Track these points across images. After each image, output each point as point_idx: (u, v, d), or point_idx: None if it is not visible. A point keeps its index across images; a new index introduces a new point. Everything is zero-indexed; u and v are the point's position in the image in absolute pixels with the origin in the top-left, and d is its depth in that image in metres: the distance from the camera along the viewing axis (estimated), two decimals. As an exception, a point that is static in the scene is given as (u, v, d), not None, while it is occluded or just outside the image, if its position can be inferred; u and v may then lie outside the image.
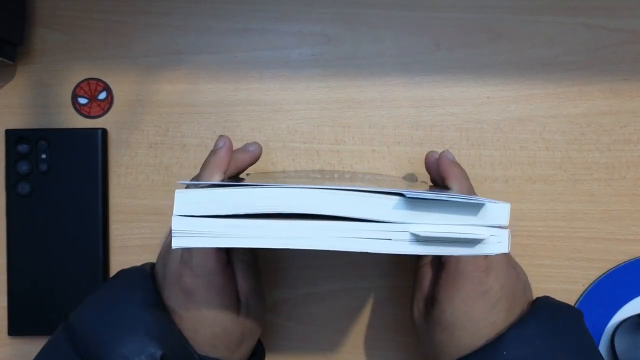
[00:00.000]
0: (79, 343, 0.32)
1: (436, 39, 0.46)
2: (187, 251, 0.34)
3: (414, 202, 0.27)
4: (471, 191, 0.36)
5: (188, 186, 0.28)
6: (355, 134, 0.46)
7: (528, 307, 0.36)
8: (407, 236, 0.27)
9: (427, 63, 0.46)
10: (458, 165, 0.37)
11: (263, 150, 0.42)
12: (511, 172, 0.46)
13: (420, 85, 0.46)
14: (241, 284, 0.36)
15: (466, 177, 0.37)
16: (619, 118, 0.46)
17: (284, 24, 0.47)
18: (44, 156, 0.46)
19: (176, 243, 0.27)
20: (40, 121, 0.47)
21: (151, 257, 0.40)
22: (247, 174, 0.43)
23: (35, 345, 0.35)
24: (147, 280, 0.36)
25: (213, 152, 0.36)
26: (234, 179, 0.38)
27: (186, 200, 0.27)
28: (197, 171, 0.37)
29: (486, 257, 0.34)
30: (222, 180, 0.34)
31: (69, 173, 0.46)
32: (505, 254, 0.36)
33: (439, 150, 0.39)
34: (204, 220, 0.27)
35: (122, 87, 0.47)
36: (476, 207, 0.27)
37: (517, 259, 0.38)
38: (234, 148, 0.38)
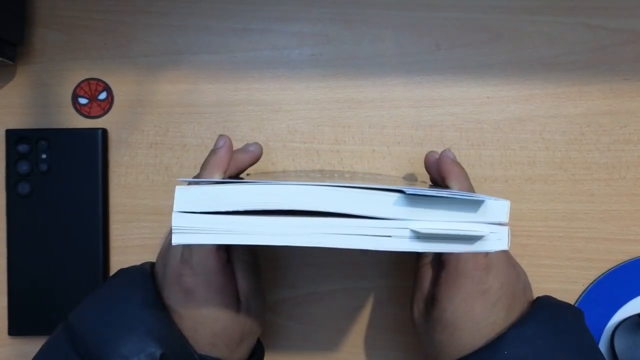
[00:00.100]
0: (78, 343, 0.32)
1: (436, 39, 0.46)
2: (188, 250, 0.34)
3: (414, 199, 0.27)
4: (472, 191, 0.36)
5: (189, 183, 0.28)
6: (355, 134, 0.46)
7: (528, 307, 0.36)
8: (407, 233, 0.27)
9: (427, 63, 0.46)
10: (458, 164, 0.37)
11: (263, 150, 0.42)
12: (511, 172, 0.46)
13: (420, 85, 0.46)
14: (241, 284, 0.36)
15: (466, 177, 0.37)
16: (619, 118, 0.46)
17: (284, 24, 0.47)
18: (44, 156, 0.46)
19: (176, 240, 0.27)
20: (40, 121, 0.47)
21: (151, 257, 0.40)
22: (247, 174, 0.43)
23: (35, 345, 0.35)
24: (146, 279, 0.36)
25: (213, 152, 0.36)
26: (234, 179, 0.38)
27: (186, 196, 0.27)
28: (197, 171, 0.37)
29: (486, 255, 0.34)
30: (223, 179, 0.34)
31: (69, 173, 0.46)
32: (505, 253, 0.36)
33: (439, 151, 0.39)
34: (204, 217, 0.27)
35: (122, 87, 0.47)
36: (476, 204, 0.27)
37: (517, 259, 0.38)
38: (234, 148, 0.38)
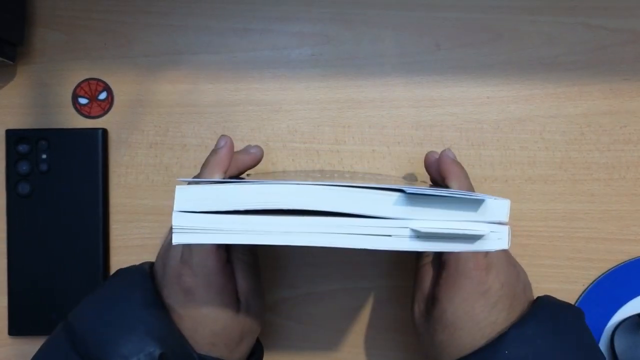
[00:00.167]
0: (78, 342, 0.32)
1: (436, 39, 0.46)
2: (187, 250, 0.34)
3: (414, 198, 0.27)
4: (471, 190, 0.36)
5: (189, 183, 0.28)
6: (355, 134, 0.46)
7: (528, 307, 0.36)
8: (407, 232, 0.27)
9: (427, 63, 0.46)
10: (459, 164, 0.37)
11: (264, 150, 0.42)
12: (511, 172, 0.46)
13: (420, 85, 0.46)
14: (241, 284, 0.36)
15: (466, 176, 0.37)
16: (619, 118, 0.46)
17: (284, 24, 0.47)
18: (44, 156, 0.46)
19: (176, 239, 0.27)
20: (40, 121, 0.47)
21: (151, 257, 0.40)
22: (247, 174, 0.43)
23: (35, 345, 0.35)
24: (146, 279, 0.36)
25: (214, 152, 0.36)
26: (234, 179, 0.38)
27: (187, 195, 0.27)
28: (198, 171, 0.37)
29: (486, 255, 0.34)
30: (223, 179, 0.34)
31: (69, 173, 0.46)
32: (505, 253, 0.36)
33: (439, 151, 0.39)
34: (205, 216, 0.27)
35: (122, 87, 0.47)
36: (476, 203, 0.27)
37: (517, 259, 0.38)
38: (234, 148, 0.38)
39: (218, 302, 0.35)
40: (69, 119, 0.47)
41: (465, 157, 0.46)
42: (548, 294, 0.38)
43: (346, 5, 0.46)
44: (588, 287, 0.45)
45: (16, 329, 0.46)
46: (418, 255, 0.38)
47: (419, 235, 0.27)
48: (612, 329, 0.44)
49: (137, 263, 0.39)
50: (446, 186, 0.36)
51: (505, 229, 0.27)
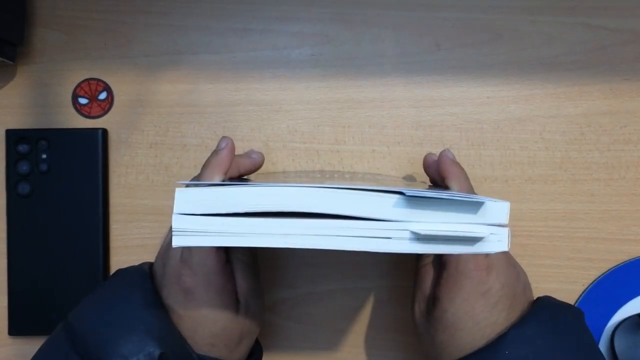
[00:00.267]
0: (78, 342, 0.32)
1: (436, 39, 0.46)
2: (187, 250, 0.34)
3: (414, 201, 0.27)
4: (471, 191, 0.36)
5: (188, 185, 0.28)
6: (355, 134, 0.46)
7: (529, 307, 0.36)
8: (407, 235, 0.27)
9: (427, 63, 0.46)
10: (458, 164, 0.37)
11: (263, 150, 0.42)
12: (511, 172, 0.46)
13: (420, 85, 0.46)
14: (240, 284, 0.36)
15: (466, 177, 0.37)
16: (619, 118, 0.46)
17: (284, 24, 0.47)
18: (44, 156, 0.46)
19: (176, 242, 0.27)
20: (40, 121, 0.47)
21: (151, 257, 0.40)
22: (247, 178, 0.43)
23: (35, 345, 0.35)
24: (145, 279, 0.36)
25: (215, 153, 0.36)
26: (234, 181, 0.38)
27: (187, 198, 0.27)
28: (198, 171, 0.37)
29: (487, 256, 0.34)
30: (223, 181, 0.34)
31: (69, 173, 0.46)
32: (505, 254, 0.36)
33: (439, 151, 0.39)
34: (205, 219, 0.27)
35: (122, 87, 0.47)
36: (476, 206, 0.27)
37: (517, 259, 0.38)
38: (235, 150, 0.38)
39: (218, 302, 0.35)
40: (69, 119, 0.47)
41: (465, 157, 0.46)
42: (548, 294, 0.38)
43: (346, 5, 0.46)
44: (588, 287, 0.45)
45: (16, 329, 0.46)
46: (418, 256, 0.38)
47: (419, 238, 0.27)
48: (612, 329, 0.44)
49: (137, 263, 0.39)
50: (446, 187, 0.36)
51: (505, 231, 0.27)
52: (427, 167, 0.41)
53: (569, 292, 0.45)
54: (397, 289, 0.46)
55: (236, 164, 0.38)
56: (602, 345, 0.45)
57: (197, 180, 0.35)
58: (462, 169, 0.37)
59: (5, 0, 0.44)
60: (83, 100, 0.47)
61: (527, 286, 0.37)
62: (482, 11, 0.46)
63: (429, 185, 0.42)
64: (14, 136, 0.46)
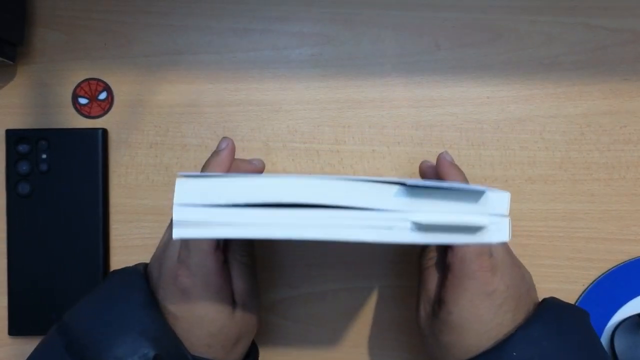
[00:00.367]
0: (72, 344, 0.32)
1: (436, 39, 0.46)
2: (185, 250, 0.34)
3: (415, 191, 0.27)
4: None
5: (189, 176, 0.28)
6: (355, 134, 0.46)
7: (534, 308, 0.35)
8: (409, 224, 0.27)
9: (427, 63, 0.46)
10: (457, 167, 0.37)
11: (263, 150, 0.42)
12: (511, 172, 0.46)
13: (420, 85, 0.46)
14: (237, 284, 0.36)
15: (465, 179, 0.37)
16: (619, 118, 0.46)
17: (284, 24, 0.47)
18: (44, 156, 0.46)
19: (177, 234, 0.27)
20: (40, 121, 0.47)
21: (151, 257, 0.40)
22: None
23: (35, 345, 0.35)
24: (141, 280, 0.36)
25: (215, 153, 0.37)
26: None
27: (187, 188, 0.27)
28: (198, 171, 0.37)
29: (491, 256, 0.34)
30: None
31: (69, 173, 0.46)
32: (509, 255, 0.36)
33: (438, 151, 0.39)
34: (206, 210, 0.27)
35: (122, 87, 0.47)
36: (477, 195, 0.27)
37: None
38: (235, 150, 0.38)
39: (215, 302, 0.34)
40: (69, 119, 0.47)
41: (465, 157, 0.46)
42: (548, 294, 0.38)
43: (346, 5, 0.46)
44: (588, 287, 0.45)
45: (16, 329, 0.46)
46: (421, 258, 0.38)
47: (420, 227, 0.27)
48: (612, 329, 0.44)
49: (137, 263, 0.39)
50: None
51: (506, 221, 0.27)
52: (423, 173, 0.41)
53: (569, 292, 0.45)
54: (398, 289, 0.46)
55: (236, 167, 0.38)
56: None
57: None
58: (460, 171, 0.37)
59: (5, 0, 0.44)
60: (83, 100, 0.47)
61: (531, 287, 0.37)
62: (482, 11, 0.46)
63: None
64: (14, 136, 0.46)
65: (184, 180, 0.27)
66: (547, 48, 0.46)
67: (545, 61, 0.46)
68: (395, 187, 0.27)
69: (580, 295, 0.45)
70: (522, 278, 0.36)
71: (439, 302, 0.35)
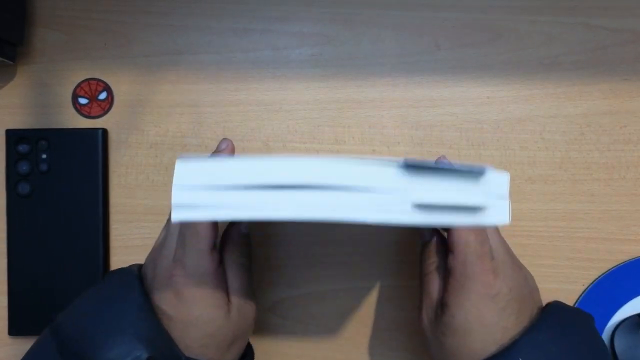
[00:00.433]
0: (64, 345, 0.32)
1: (436, 39, 0.46)
2: (181, 250, 0.34)
3: (415, 171, 0.27)
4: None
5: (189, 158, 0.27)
6: (355, 134, 0.46)
7: (538, 312, 0.35)
8: (408, 205, 0.27)
9: (427, 63, 0.46)
10: None
11: (263, 150, 0.42)
12: (511, 172, 0.46)
13: (420, 85, 0.46)
14: (233, 285, 0.36)
15: None
16: (619, 118, 0.46)
17: (284, 24, 0.47)
18: (44, 156, 0.46)
19: (176, 216, 0.26)
20: (40, 121, 0.47)
21: (151, 257, 0.40)
22: None
23: (35, 345, 0.35)
24: (135, 281, 0.35)
25: (215, 154, 0.36)
26: None
27: (187, 169, 0.26)
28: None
29: (492, 259, 0.34)
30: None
31: (69, 173, 0.46)
32: (510, 257, 0.35)
33: (439, 151, 0.39)
34: (205, 192, 0.26)
35: (122, 87, 0.47)
36: (476, 175, 0.27)
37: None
38: (234, 150, 0.38)
39: (210, 303, 0.34)
40: (69, 119, 0.47)
41: (465, 157, 0.46)
42: (548, 294, 0.38)
43: (346, 5, 0.46)
44: (588, 287, 0.45)
45: (16, 329, 0.46)
46: (422, 264, 0.38)
47: (420, 207, 0.27)
48: (612, 329, 0.44)
49: (132, 264, 0.39)
50: None
51: (506, 204, 0.27)
52: None
53: (569, 292, 0.45)
54: (398, 289, 0.46)
55: None
56: (602, 345, 0.45)
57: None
58: None
59: (5, 0, 0.44)
60: (83, 100, 0.47)
61: (534, 289, 0.36)
62: (482, 11, 0.46)
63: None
64: (14, 136, 0.46)
65: (184, 161, 0.26)
66: (547, 48, 0.46)
67: (545, 61, 0.46)
68: (395, 166, 0.27)
69: (580, 295, 0.45)
70: (525, 280, 0.36)
71: (442, 306, 0.35)
